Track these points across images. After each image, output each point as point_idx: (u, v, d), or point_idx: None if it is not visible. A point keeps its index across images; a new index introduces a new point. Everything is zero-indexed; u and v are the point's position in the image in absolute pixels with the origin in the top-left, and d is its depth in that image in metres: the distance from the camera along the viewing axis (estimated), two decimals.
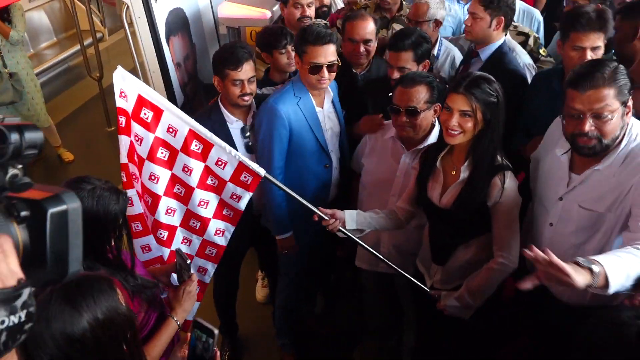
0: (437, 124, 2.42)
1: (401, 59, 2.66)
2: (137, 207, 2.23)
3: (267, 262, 3.19)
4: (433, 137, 2.41)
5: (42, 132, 0.75)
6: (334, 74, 2.51)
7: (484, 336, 2.38)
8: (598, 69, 1.79)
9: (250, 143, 2.66)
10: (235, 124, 2.62)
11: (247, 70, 2.48)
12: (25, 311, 0.65)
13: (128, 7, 2.95)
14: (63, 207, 0.73)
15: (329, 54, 2.43)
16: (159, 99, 2.14)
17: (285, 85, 2.59)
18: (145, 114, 2.12)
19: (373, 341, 3.15)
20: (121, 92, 2.08)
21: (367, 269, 2.77)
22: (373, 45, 2.93)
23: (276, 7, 3.72)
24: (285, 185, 2.30)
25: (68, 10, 7.79)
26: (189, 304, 1.83)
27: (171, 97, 3.18)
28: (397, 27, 3.56)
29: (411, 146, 2.46)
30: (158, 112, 2.14)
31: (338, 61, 2.50)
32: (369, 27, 2.88)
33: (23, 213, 0.70)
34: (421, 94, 2.30)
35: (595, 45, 2.40)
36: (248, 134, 2.64)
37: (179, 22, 3.39)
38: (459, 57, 3.31)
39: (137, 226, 2.26)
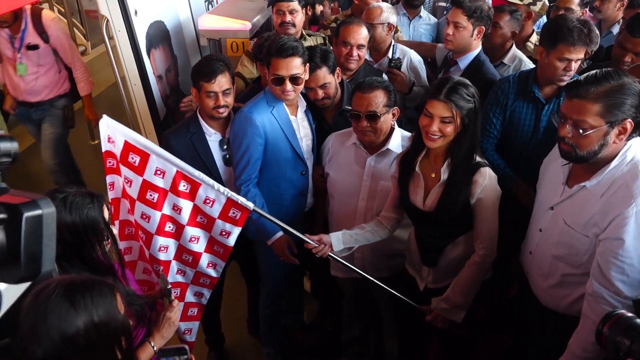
0: (396, 126, 2.51)
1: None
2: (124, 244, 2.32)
3: (249, 272, 3.20)
4: (394, 139, 2.48)
5: (17, 143, 0.81)
6: (299, 87, 2.51)
7: (466, 338, 2.42)
8: (598, 81, 1.73)
9: (227, 156, 2.67)
10: (213, 137, 2.64)
11: (221, 83, 2.49)
12: None
13: (108, 20, 2.95)
14: (38, 212, 0.79)
15: (291, 66, 2.43)
16: (145, 143, 2.18)
17: (258, 96, 2.60)
18: (132, 158, 2.17)
19: (349, 357, 3.11)
20: (109, 138, 2.13)
21: (343, 276, 2.78)
22: (364, 52, 3.00)
23: (256, 19, 3.76)
24: (262, 195, 2.34)
25: None
26: (169, 331, 1.82)
27: (153, 110, 3.18)
28: None
29: (374, 150, 2.50)
30: (145, 157, 2.18)
31: (303, 75, 2.48)
32: (362, 32, 2.95)
33: (0, 215, 0.77)
34: (379, 98, 2.36)
35: (580, 57, 2.45)
36: (226, 147, 2.65)
37: (160, 35, 3.40)
38: (416, 58, 3.36)
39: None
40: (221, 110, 2.54)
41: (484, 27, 2.91)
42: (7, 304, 0.88)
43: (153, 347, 1.76)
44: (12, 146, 0.82)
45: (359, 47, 2.96)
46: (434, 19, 4.24)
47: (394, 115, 2.45)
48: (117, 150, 2.15)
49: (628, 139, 1.79)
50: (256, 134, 2.50)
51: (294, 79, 2.46)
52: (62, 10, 7.16)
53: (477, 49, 2.98)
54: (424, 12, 4.19)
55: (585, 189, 1.86)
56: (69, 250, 1.63)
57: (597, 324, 1.44)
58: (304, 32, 3.43)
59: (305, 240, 2.29)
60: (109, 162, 2.16)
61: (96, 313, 1.25)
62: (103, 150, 2.13)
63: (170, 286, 1.92)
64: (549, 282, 2.07)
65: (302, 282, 3.43)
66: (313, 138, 2.75)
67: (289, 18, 3.21)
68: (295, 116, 2.65)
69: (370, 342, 3.08)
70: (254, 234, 2.72)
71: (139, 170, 2.19)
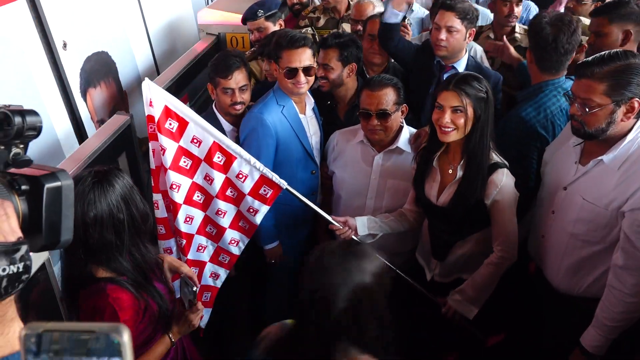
0: (404, 123, 2.51)
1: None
2: (162, 211, 2.31)
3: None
4: (403, 137, 2.47)
5: (41, 117, 0.85)
6: (311, 78, 2.51)
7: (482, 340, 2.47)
8: (605, 62, 1.82)
9: None
10: (230, 133, 2.61)
11: (237, 79, 2.49)
12: (22, 263, 0.75)
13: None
14: (57, 184, 0.85)
15: (304, 58, 2.44)
16: (184, 110, 2.18)
17: (267, 95, 2.56)
18: (170, 124, 2.17)
19: None
20: (150, 101, 2.13)
21: None
22: None
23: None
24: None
25: None
26: (186, 328, 1.87)
27: None
28: (347, 26, 3.68)
29: (382, 148, 2.50)
30: (183, 123, 2.19)
31: (316, 65, 2.53)
32: None
33: (23, 187, 0.83)
34: (389, 96, 2.35)
35: None
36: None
37: (102, 70, 2.88)
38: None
39: (161, 229, 2.34)
40: (237, 107, 2.54)
41: (474, 30, 2.86)
42: (32, 271, 0.92)
43: (171, 340, 1.82)
44: (37, 120, 0.85)
45: None
46: (424, 10, 4.14)
47: (402, 112, 2.45)
48: (157, 114, 2.14)
49: (638, 118, 1.87)
50: (267, 134, 2.47)
51: (307, 70, 2.46)
52: None
53: (466, 51, 2.93)
54: (415, 5, 4.09)
55: (602, 164, 1.92)
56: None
57: None
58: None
59: (330, 222, 2.33)
60: (150, 128, 2.17)
61: (368, 276, 1.39)
62: (146, 114, 2.15)
63: (195, 288, 1.87)
64: (566, 263, 2.10)
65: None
66: (321, 135, 2.75)
67: (257, 36, 3.25)
68: (304, 114, 2.63)
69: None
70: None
71: (176, 136, 2.19)
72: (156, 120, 2.14)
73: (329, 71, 2.70)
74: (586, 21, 3.04)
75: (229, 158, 2.25)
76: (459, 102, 2.02)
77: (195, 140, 2.22)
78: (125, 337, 0.62)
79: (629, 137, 1.87)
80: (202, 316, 2.39)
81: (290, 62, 2.42)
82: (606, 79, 1.80)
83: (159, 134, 2.15)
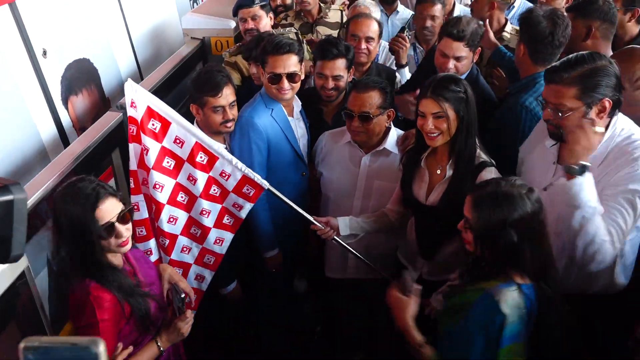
0: (392, 125, 2.51)
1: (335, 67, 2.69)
2: (143, 213, 2.30)
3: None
4: (390, 139, 2.48)
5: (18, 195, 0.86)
6: (296, 85, 2.50)
7: None
8: (572, 66, 1.87)
9: None
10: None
11: (227, 95, 2.39)
12: None
13: None
14: (9, 197, 0.84)
15: (288, 64, 2.43)
16: (167, 110, 2.18)
17: (255, 99, 2.55)
18: (153, 124, 2.17)
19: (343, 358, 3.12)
20: (132, 102, 2.13)
21: (338, 277, 2.77)
22: (374, 46, 3.03)
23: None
24: (265, 200, 2.43)
25: None
26: (175, 337, 1.86)
27: None
28: (322, 29, 3.72)
29: (369, 149, 2.50)
30: (166, 124, 2.18)
31: (300, 72, 2.51)
32: (372, 26, 2.99)
33: None
34: (374, 99, 2.36)
35: None
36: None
37: (84, 77, 2.86)
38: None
39: (142, 231, 2.32)
40: (229, 124, 2.44)
41: (480, 48, 2.85)
42: None
43: (159, 347, 1.83)
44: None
45: (368, 39, 2.99)
46: (409, 12, 4.19)
47: (389, 116, 2.45)
48: (139, 115, 2.14)
49: (611, 116, 1.91)
50: (260, 138, 2.46)
51: (291, 77, 2.44)
52: None
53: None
54: (400, 7, 4.21)
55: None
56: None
57: None
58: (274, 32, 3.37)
59: (312, 222, 2.32)
60: (131, 129, 2.17)
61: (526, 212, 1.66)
62: (128, 115, 2.15)
63: (183, 295, 1.89)
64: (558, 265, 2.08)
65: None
66: (308, 138, 2.76)
67: (252, 25, 3.22)
68: (292, 116, 2.63)
69: (363, 344, 3.03)
70: None
71: (159, 136, 2.19)
72: (139, 120, 2.13)
73: (340, 80, 2.68)
74: None
75: (212, 158, 2.25)
76: (438, 108, 2.04)
77: (178, 141, 2.21)
78: (101, 348, 0.76)
79: (607, 135, 1.91)
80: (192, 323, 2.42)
81: (275, 67, 2.41)
82: (575, 83, 1.84)
83: (142, 134, 2.14)
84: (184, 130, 2.19)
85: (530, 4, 4.06)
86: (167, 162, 2.23)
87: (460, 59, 2.71)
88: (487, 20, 3.20)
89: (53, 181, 2.09)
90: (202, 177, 2.28)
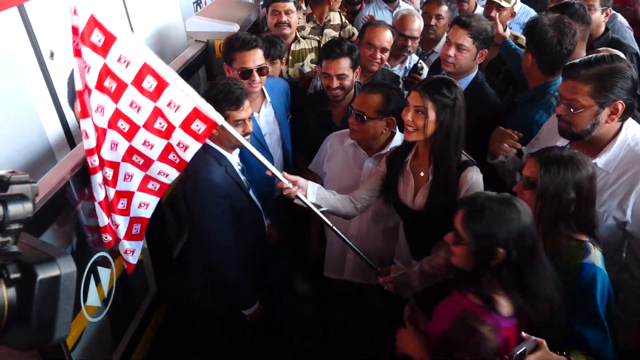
0: (397, 130, 2.52)
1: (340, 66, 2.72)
2: (93, 141, 2.02)
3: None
4: (394, 143, 2.49)
5: (31, 203, 0.72)
6: (264, 78, 2.60)
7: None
8: (591, 64, 1.88)
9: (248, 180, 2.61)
10: (237, 165, 2.54)
11: (248, 108, 2.39)
12: None
13: None
14: (55, 273, 0.72)
15: (256, 58, 2.57)
16: (113, 25, 1.90)
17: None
18: (97, 36, 1.89)
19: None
20: (75, 9, 1.86)
21: (335, 277, 2.77)
22: (386, 56, 3.08)
23: (245, 20, 3.81)
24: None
25: None
26: None
27: None
28: (329, 32, 3.81)
29: (372, 152, 2.52)
30: (110, 38, 1.90)
31: (267, 65, 2.62)
32: (387, 36, 3.04)
33: (13, 276, 0.71)
34: (374, 102, 2.37)
35: None
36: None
37: None
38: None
39: (95, 161, 2.06)
40: (248, 137, 2.41)
41: (487, 50, 2.82)
42: None
43: None
44: (23, 209, 0.70)
45: (383, 50, 3.04)
46: (409, 7, 4.23)
47: (388, 124, 2.44)
48: (82, 24, 1.86)
49: (623, 120, 1.93)
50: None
51: (260, 70, 2.59)
52: None
53: (475, 70, 2.87)
54: (402, 3, 4.29)
55: (595, 166, 1.93)
56: None
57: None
58: (297, 35, 3.51)
59: (280, 179, 2.18)
60: (74, 41, 1.90)
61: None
62: (71, 24, 1.88)
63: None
64: None
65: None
66: (281, 128, 2.78)
67: (284, 18, 3.33)
68: (258, 112, 2.67)
69: (361, 344, 3.04)
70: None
71: (102, 51, 1.90)
72: (80, 31, 1.87)
73: (345, 79, 2.72)
74: None
75: (161, 83, 1.98)
76: (420, 102, 2.06)
77: (122, 60, 1.93)
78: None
79: (619, 139, 1.93)
80: (134, 250, 2.32)
81: (244, 62, 2.55)
82: (591, 81, 1.87)
83: (83, 46, 1.88)
84: (132, 48, 1.93)
85: (529, 9, 4.11)
86: (109, 83, 1.95)
87: (461, 47, 2.73)
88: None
89: (59, 182, 2.07)
90: (147, 106, 2.02)
